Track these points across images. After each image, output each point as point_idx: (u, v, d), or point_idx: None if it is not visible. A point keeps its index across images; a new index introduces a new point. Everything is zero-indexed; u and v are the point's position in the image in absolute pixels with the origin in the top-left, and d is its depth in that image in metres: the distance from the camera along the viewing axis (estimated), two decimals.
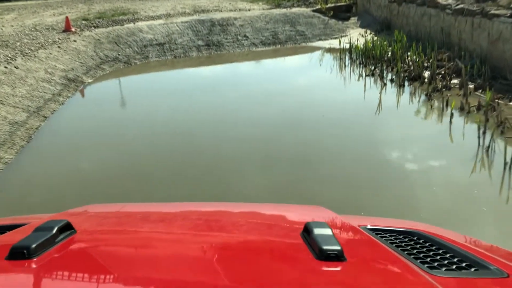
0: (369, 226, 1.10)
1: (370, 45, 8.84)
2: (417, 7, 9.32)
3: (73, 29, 10.31)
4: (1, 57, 7.56)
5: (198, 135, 5.53)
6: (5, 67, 7.04)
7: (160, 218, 1.20)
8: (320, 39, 11.52)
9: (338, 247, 0.80)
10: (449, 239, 1.03)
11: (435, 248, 0.95)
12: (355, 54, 9.09)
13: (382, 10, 11.54)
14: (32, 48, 8.46)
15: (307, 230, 0.91)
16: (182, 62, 10.24)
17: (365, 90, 7.10)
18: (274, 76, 8.90)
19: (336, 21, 12.40)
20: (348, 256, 0.80)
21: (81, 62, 8.81)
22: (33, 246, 0.80)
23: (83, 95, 7.87)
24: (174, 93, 7.78)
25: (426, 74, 7.04)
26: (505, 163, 3.99)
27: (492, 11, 6.46)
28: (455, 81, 6.55)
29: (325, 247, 0.80)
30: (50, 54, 8.41)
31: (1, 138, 5.17)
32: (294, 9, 13.02)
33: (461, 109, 5.50)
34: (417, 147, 4.80)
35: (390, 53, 8.37)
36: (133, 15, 12.25)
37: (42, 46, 8.70)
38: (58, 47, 8.88)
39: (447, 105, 5.70)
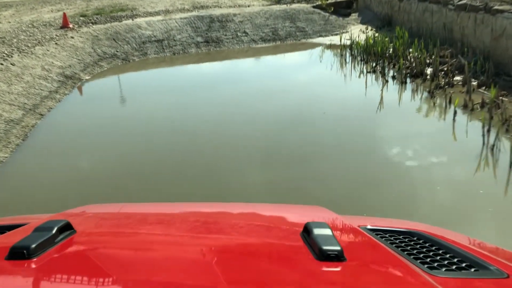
0: (369, 227, 1.10)
1: (371, 41, 8.73)
2: (419, 3, 9.20)
3: (70, 26, 10.19)
4: None
5: (197, 132, 5.45)
6: (1, 64, 6.94)
7: (159, 219, 1.21)
8: (320, 36, 11.41)
9: (338, 247, 0.80)
10: (449, 239, 1.03)
11: (435, 249, 0.95)
12: (356, 51, 8.98)
13: (383, 6, 11.43)
14: (29, 44, 8.36)
15: (307, 230, 0.91)
16: (181, 58, 10.14)
17: (366, 87, 7.01)
18: (274, 73, 8.79)
19: (336, 17, 12.29)
20: (348, 257, 0.80)
21: (78, 59, 8.71)
22: (33, 246, 0.81)
23: (80, 92, 7.78)
24: (173, 90, 7.69)
25: (429, 71, 6.95)
26: (511, 162, 3.91)
27: (496, 7, 6.36)
28: (458, 78, 6.45)
29: (325, 247, 0.80)
30: (47, 50, 8.30)
31: None
32: (294, 5, 12.90)
33: (465, 106, 5.42)
34: (420, 145, 4.71)
35: (391, 50, 8.26)
36: (132, 11, 12.13)
37: (39, 42, 8.59)
38: (56, 43, 8.77)
39: (450, 102, 5.61)
